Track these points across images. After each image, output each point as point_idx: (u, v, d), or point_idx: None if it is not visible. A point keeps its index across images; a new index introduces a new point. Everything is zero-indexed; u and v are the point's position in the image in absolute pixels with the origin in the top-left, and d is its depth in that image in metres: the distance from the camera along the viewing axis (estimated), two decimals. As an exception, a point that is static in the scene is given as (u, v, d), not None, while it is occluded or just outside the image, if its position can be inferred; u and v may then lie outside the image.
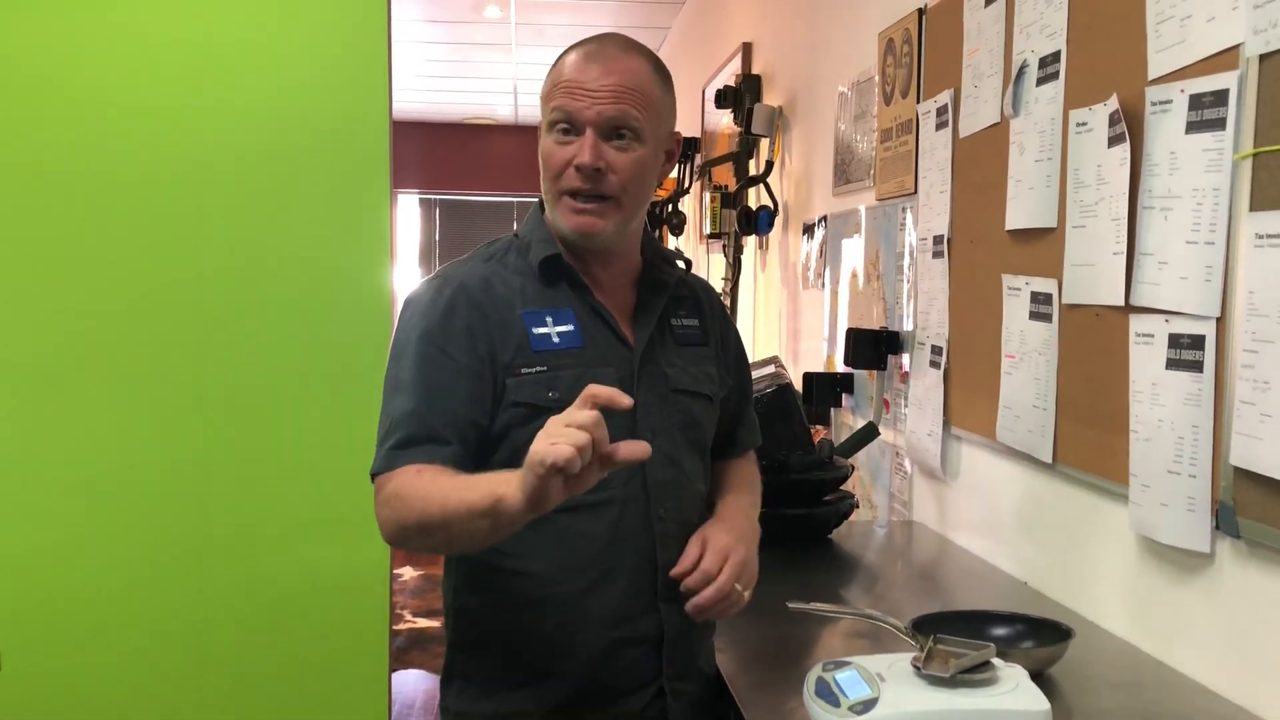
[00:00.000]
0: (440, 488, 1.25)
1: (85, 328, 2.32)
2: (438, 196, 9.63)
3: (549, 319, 1.38)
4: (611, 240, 1.41)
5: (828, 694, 1.21)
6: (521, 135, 9.31)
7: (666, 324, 1.48)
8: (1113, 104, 1.61)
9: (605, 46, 1.38)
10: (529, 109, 8.58)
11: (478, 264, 1.43)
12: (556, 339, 1.37)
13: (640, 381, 1.41)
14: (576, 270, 1.42)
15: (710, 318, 1.55)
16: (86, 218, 2.32)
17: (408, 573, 5.95)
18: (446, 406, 1.33)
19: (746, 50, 4.26)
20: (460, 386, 1.34)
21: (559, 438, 1.08)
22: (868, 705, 1.17)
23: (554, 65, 1.40)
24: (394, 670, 2.60)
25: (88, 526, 2.34)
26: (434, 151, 9.24)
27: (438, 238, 9.67)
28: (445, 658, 1.46)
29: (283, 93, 2.37)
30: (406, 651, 4.64)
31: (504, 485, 1.16)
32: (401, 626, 4.96)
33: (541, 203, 1.48)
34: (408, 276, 9.51)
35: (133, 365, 2.34)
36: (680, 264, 1.55)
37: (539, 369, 1.36)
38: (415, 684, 4.30)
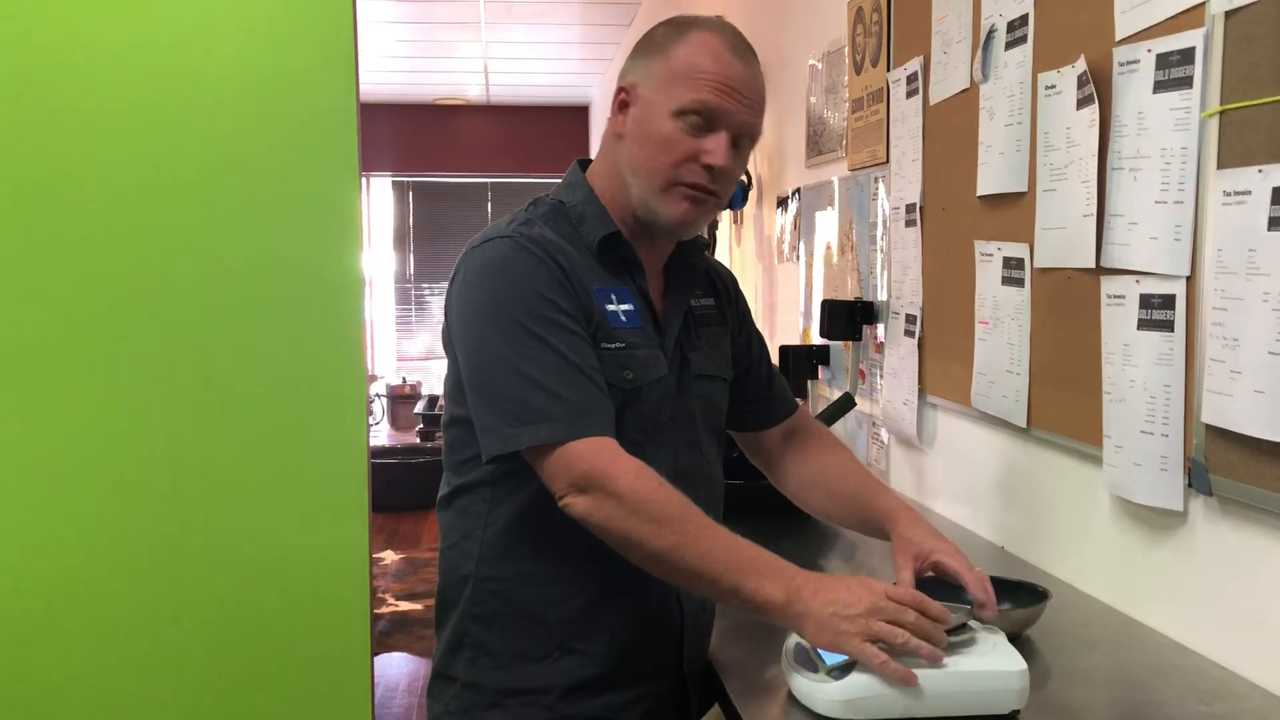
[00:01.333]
0: (708, 540, 1.21)
1: (49, 318, 2.29)
2: (410, 179, 9.56)
3: (613, 296, 1.35)
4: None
5: (806, 661, 1.22)
6: (493, 115, 9.25)
7: (688, 306, 1.46)
8: (1081, 66, 1.60)
9: (741, 42, 1.36)
10: (499, 88, 8.53)
11: (543, 228, 1.36)
12: (624, 318, 1.35)
13: (671, 367, 1.40)
14: (635, 251, 1.39)
15: (726, 298, 1.55)
16: (45, 207, 2.28)
17: (389, 556, 5.94)
18: (597, 375, 1.29)
19: (716, 24, 4.23)
20: (589, 350, 1.30)
21: (896, 621, 1.15)
22: (845, 670, 1.17)
23: (679, 39, 1.33)
24: (376, 654, 2.59)
25: (59, 514, 2.32)
26: (405, 133, 9.16)
27: (411, 221, 9.61)
28: (452, 626, 1.41)
29: (245, 77, 2.33)
30: (389, 635, 4.64)
31: (778, 590, 1.18)
32: (384, 610, 4.95)
33: (581, 164, 1.44)
34: (382, 261, 9.46)
35: (100, 354, 2.31)
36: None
37: (617, 345, 1.33)
38: (399, 667, 4.30)
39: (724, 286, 1.56)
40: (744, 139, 1.35)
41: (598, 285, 1.34)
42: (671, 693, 1.42)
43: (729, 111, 1.32)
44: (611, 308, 1.34)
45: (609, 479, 1.23)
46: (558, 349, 1.27)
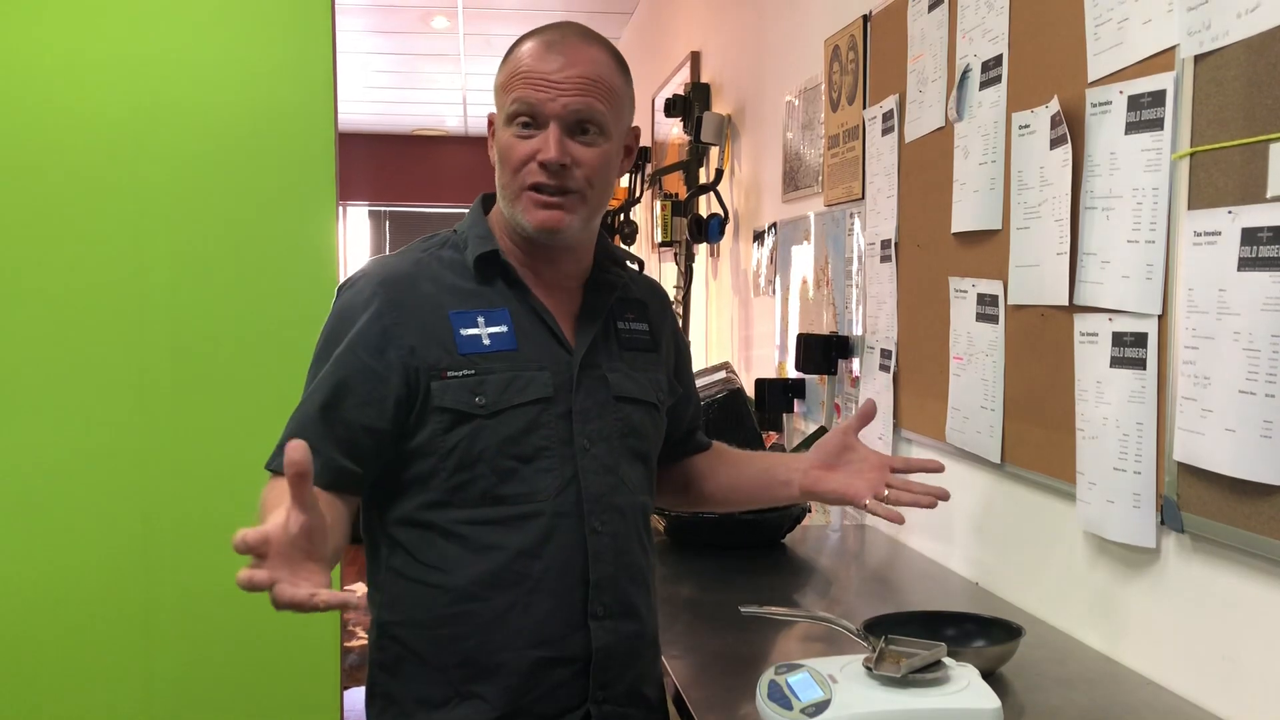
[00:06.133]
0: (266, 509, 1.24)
1: (29, 339, 2.27)
2: (387, 208, 9.56)
3: (480, 319, 1.32)
4: (574, 237, 1.35)
5: (780, 697, 1.21)
6: (471, 146, 9.27)
7: (612, 327, 1.42)
8: (1054, 106, 1.62)
9: (567, 35, 1.32)
10: (478, 120, 8.55)
11: (408, 258, 1.37)
12: (487, 340, 1.31)
13: (580, 386, 1.35)
14: (514, 268, 1.36)
15: (661, 323, 1.50)
16: (26, 228, 2.27)
17: (360, 589, 5.86)
18: (341, 411, 1.29)
19: (695, 59, 4.28)
20: (360, 389, 1.29)
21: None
22: (820, 707, 1.16)
23: (510, 53, 1.34)
24: (346, 688, 2.56)
25: (29, 533, 2.29)
26: (383, 163, 9.18)
27: (387, 250, 9.60)
28: (368, 676, 1.40)
29: (225, 106, 2.34)
30: (359, 669, 4.57)
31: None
32: (354, 644, 4.89)
33: (484, 199, 1.43)
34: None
35: (77, 376, 2.29)
36: (632, 265, 1.48)
37: (465, 372, 1.30)
38: (369, 701, 4.24)
39: (660, 312, 1.51)
40: (589, 125, 1.30)
41: (461, 308, 1.33)
42: None
43: (543, 102, 1.28)
44: (471, 331, 1.31)
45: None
46: (321, 386, 1.30)
